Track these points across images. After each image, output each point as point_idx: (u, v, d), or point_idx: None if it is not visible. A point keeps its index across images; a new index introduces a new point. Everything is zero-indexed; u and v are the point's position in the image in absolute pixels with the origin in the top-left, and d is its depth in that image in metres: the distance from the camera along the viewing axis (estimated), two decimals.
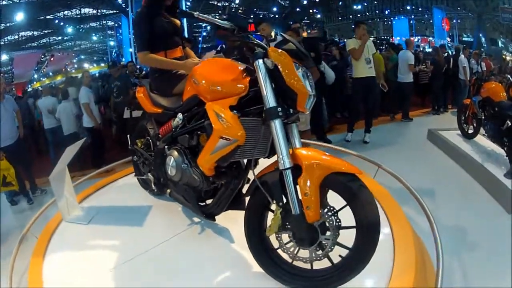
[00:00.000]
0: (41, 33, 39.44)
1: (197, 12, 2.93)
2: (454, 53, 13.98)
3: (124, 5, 33.60)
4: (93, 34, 43.47)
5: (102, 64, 41.05)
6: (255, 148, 2.80)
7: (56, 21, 37.62)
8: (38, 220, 4.28)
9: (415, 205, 3.78)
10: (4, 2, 31.44)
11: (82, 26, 40.66)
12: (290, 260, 2.69)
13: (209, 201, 3.27)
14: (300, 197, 2.46)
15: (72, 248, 3.56)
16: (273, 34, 3.24)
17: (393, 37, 36.74)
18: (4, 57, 34.50)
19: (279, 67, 2.54)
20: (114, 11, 38.44)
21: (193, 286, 2.83)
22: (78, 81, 10.91)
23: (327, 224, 2.52)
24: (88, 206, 4.35)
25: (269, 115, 2.55)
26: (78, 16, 38.86)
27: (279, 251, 2.71)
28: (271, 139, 2.77)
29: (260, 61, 2.59)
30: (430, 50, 18.88)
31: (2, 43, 35.39)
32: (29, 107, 12.87)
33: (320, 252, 2.56)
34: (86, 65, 42.63)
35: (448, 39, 32.46)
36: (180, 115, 3.25)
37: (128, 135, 4.42)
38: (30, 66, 36.93)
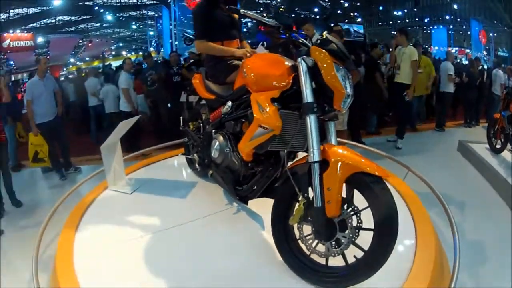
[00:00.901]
0: (79, 18, 39.85)
1: (243, 10, 3.06)
2: (490, 66, 13.82)
3: None
4: (133, 23, 43.79)
5: (141, 53, 41.37)
6: (291, 140, 2.93)
7: (95, 8, 37.93)
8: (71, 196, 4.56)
9: (440, 211, 3.86)
10: None
11: (121, 14, 40.99)
12: (308, 253, 2.77)
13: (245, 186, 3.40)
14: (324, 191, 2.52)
15: (105, 221, 3.80)
16: (316, 36, 3.32)
17: (431, 47, 36.38)
18: (40, 39, 34.89)
19: (319, 65, 2.65)
20: (155, 2, 38.61)
21: (214, 266, 2.98)
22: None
23: (347, 222, 2.56)
24: (135, 178, 4.73)
25: (305, 109, 2.64)
26: (118, 4, 39.16)
27: (300, 242, 2.79)
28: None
29: (302, 58, 2.69)
30: (466, 62, 18.74)
31: (38, 25, 35.91)
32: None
33: (336, 249, 2.60)
34: (124, 53, 43.00)
35: (485, 52, 31.99)
36: (229, 103, 3.46)
37: (181, 117, 4.64)
38: (67, 50, 37.41)
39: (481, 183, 7.05)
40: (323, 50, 2.67)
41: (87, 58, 42.03)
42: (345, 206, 2.57)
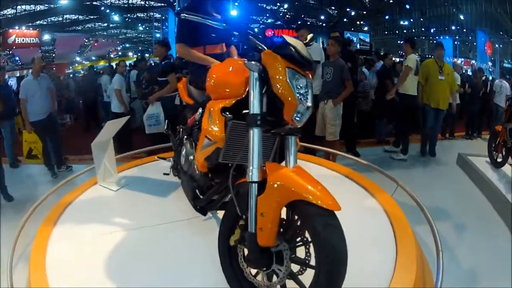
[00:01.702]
0: (86, 18, 40.07)
1: (184, 13, 2.85)
2: (495, 77, 13.69)
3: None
4: (140, 24, 44.00)
5: (147, 55, 41.55)
6: (243, 153, 2.59)
7: (103, 8, 38.11)
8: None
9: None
10: None
11: (129, 15, 41.19)
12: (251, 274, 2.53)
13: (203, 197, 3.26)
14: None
15: (83, 216, 3.96)
16: (308, 37, 3.09)
17: None
18: (47, 37, 35.10)
19: (268, 71, 2.41)
20: (162, 4, 38.76)
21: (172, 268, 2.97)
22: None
23: (284, 255, 2.31)
24: (126, 176, 4.91)
25: (248, 122, 2.42)
26: (125, 5, 39.35)
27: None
28: (275, 147, 2.77)
29: (252, 64, 2.46)
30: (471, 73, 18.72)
31: (44, 23, 36.11)
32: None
33: (270, 282, 2.41)
34: (130, 54, 43.27)
35: (490, 63, 31.93)
36: (200, 109, 3.30)
37: (166, 120, 4.62)
38: (73, 48, 37.64)
39: (479, 200, 6.65)
40: (276, 55, 2.42)
41: (93, 58, 42.31)
42: (287, 236, 2.34)
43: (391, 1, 38.97)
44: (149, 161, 5.42)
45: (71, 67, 38.94)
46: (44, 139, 8.16)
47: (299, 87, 2.37)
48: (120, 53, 44.00)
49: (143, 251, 3.26)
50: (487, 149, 7.91)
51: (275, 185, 2.22)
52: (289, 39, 2.49)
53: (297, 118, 2.37)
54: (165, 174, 4.63)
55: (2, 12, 31.95)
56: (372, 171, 5.20)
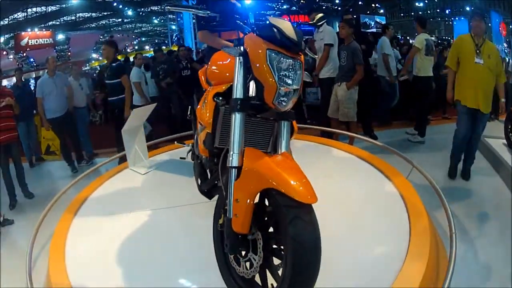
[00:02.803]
0: (100, 14, 40.19)
1: (168, 6, 2.82)
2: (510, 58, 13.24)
3: None
4: (154, 18, 44.00)
5: (164, 47, 41.67)
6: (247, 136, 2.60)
7: (115, 4, 38.19)
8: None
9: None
10: None
11: (142, 9, 41.23)
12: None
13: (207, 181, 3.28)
14: None
15: (110, 197, 4.37)
16: (317, 17, 3.04)
17: (454, 39, 35.89)
18: (61, 36, 35.32)
19: (249, 54, 2.37)
20: None
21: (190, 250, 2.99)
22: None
23: (257, 244, 2.28)
24: (157, 161, 5.23)
25: (230, 107, 2.39)
26: None
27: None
28: (274, 134, 2.67)
29: (228, 48, 2.45)
30: None
31: (57, 23, 36.31)
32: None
33: (247, 270, 2.36)
34: (146, 47, 43.34)
35: (505, 44, 31.41)
36: None
37: (189, 107, 4.67)
38: (88, 46, 37.81)
39: (495, 182, 6.40)
40: (257, 37, 2.37)
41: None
42: (262, 225, 2.30)
43: None
44: (180, 147, 5.38)
45: (87, 64, 39.15)
46: (62, 135, 8.30)
47: (282, 69, 2.28)
48: (136, 47, 44.03)
49: (158, 231, 3.44)
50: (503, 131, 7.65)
51: (249, 171, 2.19)
52: (274, 20, 2.39)
53: (279, 102, 2.31)
54: (181, 158, 4.74)
55: (12, 16, 32.17)
56: (389, 153, 5.18)
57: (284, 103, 2.32)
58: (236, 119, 2.33)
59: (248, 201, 2.18)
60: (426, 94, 8.76)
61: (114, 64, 7.36)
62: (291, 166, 2.19)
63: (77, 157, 8.74)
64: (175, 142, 5.01)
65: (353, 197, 3.69)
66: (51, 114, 8.13)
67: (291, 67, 2.31)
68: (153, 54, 14.56)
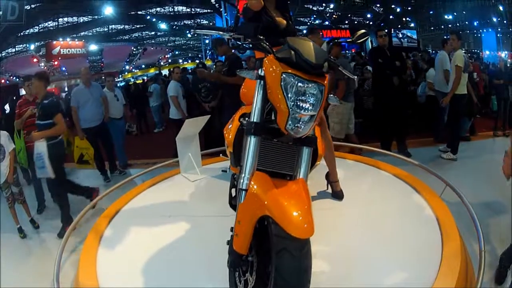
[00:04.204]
0: (133, 27, 40.61)
1: (195, 29, 2.80)
2: None
3: (217, 5, 33.95)
4: (188, 31, 44.36)
5: (197, 61, 41.89)
6: (263, 160, 2.55)
7: (148, 17, 38.55)
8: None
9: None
10: None
11: (175, 23, 41.58)
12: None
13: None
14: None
15: (153, 199, 4.59)
16: (359, 33, 2.96)
17: (482, 51, 35.36)
18: (93, 47, 35.77)
19: (266, 77, 2.33)
20: (208, 10, 38.98)
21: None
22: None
23: (253, 267, 2.30)
24: (209, 169, 5.35)
25: (246, 130, 2.39)
26: (171, 13, 39.72)
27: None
28: (298, 157, 2.50)
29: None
30: None
31: (90, 34, 36.80)
32: None
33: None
34: (180, 61, 43.66)
35: None
36: None
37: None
38: (121, 57, 38.28)
39: None
40: (274, 60, 2.30)
41: (143, 66, 42.92)
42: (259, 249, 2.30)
43: None
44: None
45: (120, 76, 39.64)
46: (97, 145, 8.38)
47: (297, 94, 2.21)
48: (170, 60, 44.43)
49: (194, 238, 3.52)
50: None
51: (252, 196, 2.17)
52: (293, 41, 2.33)
53: (292, 128, 2.24)
54: (223, 171, 4.80)
55: (43, 25, 32.66)
56: (421, 170, 5.07)
57: (298, 130, 2.25)
58: (251, 142, 2.33)
59: (248, 224, 2.18)
60: (461, 112, 8.60)
61: (45, 102, 5.97)
62: (296, 196, 2.15)
63: (110, 167, 8.87)
64: (220, 155, 5.02)
65: (385, 214, 3.68)
66: (86, 124, 8.23)
67: (308, 91, 2.23)
68: (193, 67, 14.38)
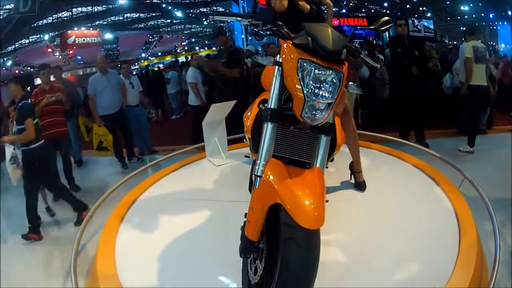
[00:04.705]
0: (148, 15, 40.62)
1: (210, 16, 2.75)
2: None
3: None
4: (204, 19, 44.25)
5: (214, 48, 41.77)
6: (281, 146, 2.58)
7: (164, 5, 38.52)
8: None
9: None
10: None
11: (191, 10, 41.51)
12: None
13: None
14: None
15: (178, 182, 4.71)
16: (382, 20, 2.90)
17: (498, 44, 34.91)
18: (109, 35, 35.85)
19: (283, 63, 2.32)
20: None
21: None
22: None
23: (263, 254, 2.29)
24: (235, 155, 5.36)
25: (263, 116, 2.37)
26: (187, 1, 39.65)
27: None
28: (316, 145, 2.45)
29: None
30: None
31: (104, 23, 36.88)
32: None
33: (253, 276, 2.34)
34: (196, 48, 43.65)
35: None
36: None
37: None
38: (137, 46, 38.34)
39: None
40: (291, 46, 2.28)
41: (159, 53, 42.96)
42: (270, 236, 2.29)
43: None
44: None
45: (137, 63, 39.70)
46: (115, 132, 8.48)
47: (314, 81, 2.18)
48: (186, 47, 44.40)
49: (214, 222, 3.56)
50: None
51: (266, 183, 2.14)
52: (310, 27, 2.30)
53: (307, 115, 2.21)
54: (246, 156, 4.96)
55: (57, 15, 32.77)
56: (437, 160, 5.05)
57: (315, 117, 2.23)
58: (267, 128, 2.31)
59: (261, 210, 2.17)
60: (478, 104, 8.51)
61: (20, 105, 5.76)
62: (309, 186, 2.11)
63: (128, 154, 8.96)
64: (244, 140, 5.09)
65: (405, 206, 3.67)
66: (104, 111, 8.34)
67: (326, 78, 2.19)
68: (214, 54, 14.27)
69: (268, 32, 2.49)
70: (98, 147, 8.39)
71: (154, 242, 3.30)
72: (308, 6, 3.48)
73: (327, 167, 3.84)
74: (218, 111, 5.21)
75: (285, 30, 2.42)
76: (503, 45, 33.23)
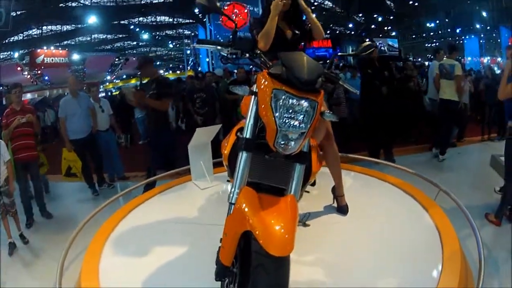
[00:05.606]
0: (115, 37, 40.55)
1: (194, 44, 2.77)
2: None
3: (200, 15, 33.99)
4: (169, 42, 44.31)
5: (178, 72, 41.75)
6: (257, 173, 2.54)
7: (131, 27, 38.54)
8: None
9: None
10: (74, 4, 32.58)
11: (158, 33, 41.57)
12: None
13: None
14: None
15: (163, 205, 4.76)
16: (364, 45, 2.93)
17: (465, 57, 35.76)
18: (76, 56, 35.70)
19: (258, 93, 2.32)
20: (190, 21, 39.02)
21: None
22: None
23: (237, 278, 2.31)
24: (221, 178, 5.27)
25: (237, 145, 2.43)
26: (154, 23, 39.73)
27: None
28: (291, 173, 2.45)
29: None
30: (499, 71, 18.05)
31: (73, 43, 36.72)
32: None
33: None
34: (161, 71, 43.69)
35: None
36: None
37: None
38: (103, 68, 38.19)
39: None
40: (266, 75, 2.29)
41: (124, 76, 42.81)
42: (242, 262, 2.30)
43: (416, 4, 38.49)
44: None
45: (102, 86, 39.48)
46: (84, 157, 8.24)
47: (287, 111, 2.19)
48: None
49: (200, 245, 3.51)
50: None
51: (238, 210, 2.17)
52: (286, 56, 2.33)
53: (280, 145, 2.22)
54: (228, 181, 4.88)
55: (27, 33, 32.55)
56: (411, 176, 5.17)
57: (287, 147, 2.23)
58: (242, 158, 2.34)
59: (233, 237, 2.20)
60: (449, 117, 8.87)
61: None
62: (281, 213, 2.13)
63: (98, 180, 8.68)
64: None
65: (386, 225, 3.71)
66: (74, 135, 8.08)
67: (299, 108, 2.20)
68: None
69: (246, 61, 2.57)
70: (67, 173, 8.20)
71: (138, 264, 3.30)
72: (290, 32, 3.55)
73: (308, 192, 3.99)
74: (204, 135, 5.23)
75: (263, 58, 2.48)
76: (469, 58, 33.98)
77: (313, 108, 2.21)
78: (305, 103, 2.19)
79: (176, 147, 6.98)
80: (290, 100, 2.18)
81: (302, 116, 2.19)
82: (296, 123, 2.18)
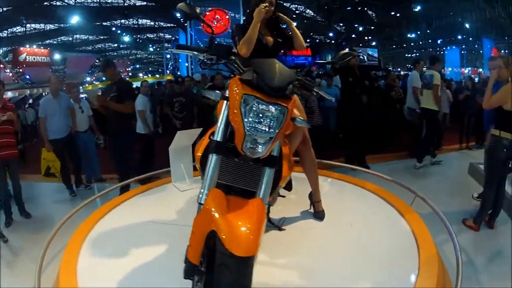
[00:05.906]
0: (97, 38, 40.31)
1: (171, 49, 2.80)
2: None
3: (182, 20, 33.94)
4: (150, 45, 44.16)
5: (157, 75, 41.61)
6: (228, 176, 2.57)
7: (113, 29, 38.36)
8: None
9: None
10: (58, 3, 32.36)
11: (139, 36, 41.41)
12: None
13: None
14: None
15: (142, 205, 4.71)
16: (341, 53, 2.98)
17: (445, 68, 36.12)
18: (57, 56, 35.44)
19: (229, 98, 2.37)
20: (172, 25, 38.94)
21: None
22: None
23: (201, 278, 2.34)
24: (198, 180, 5.01)
25: (209, 148, 2.46)
26: (135, 26, 39.58)
27: None
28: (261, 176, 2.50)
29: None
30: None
31: (55, 42, 36.44)
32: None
33: None
34: (140, 75, 43.43)
35: None
36: None
37: None
38: (83, 69, 37.93)
39: None
40: (237, 81, 2.37)
41: (104, 78, 42.59)
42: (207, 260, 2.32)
43: (397, 15, 38.75)
44: None
45: (81, 87, 39.22)
46: (63, 157, 8.21)
47: (255, 116, 2.26)
48: (130, 74, 44.19)
49: (172, 244, 3.52)
50: None
51: (205, 210, 2.21)
52: (258, 62, 2.41)
53: (248, 149, 2.29)
54: None
55: (11, 30, 32.26)
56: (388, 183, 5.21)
57: (255, 151, 2.29)
58: (211, 160, 2.39)
59: (200, 236, 2.23)
60: (427, 125, 9.17)
61: None
62: (247, 215, 2.18)
63: (76, 181, 8.65)
64: None
65: (363, 230, 3.74)
66: (54, 135, 8.04)
67: (267, 113, 2.27)
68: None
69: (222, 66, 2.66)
70: (46, 173, 8.15)
71: (115, 264, 3.29)
72: (272, 40, 3.61)
73: (284, 196, 3.93)
74: (185, 138, 5.23)
75: (237, 64, 2.56)
76: (449, 69, 34.29)
77: (282, 113, 2.29)
78: (274, 109, 2.27)
79: (148, 151, 6.96)
80: (260, 106, 2.26)
81: (270, 121, 2.26)
82: (265, 128, 2.25)
